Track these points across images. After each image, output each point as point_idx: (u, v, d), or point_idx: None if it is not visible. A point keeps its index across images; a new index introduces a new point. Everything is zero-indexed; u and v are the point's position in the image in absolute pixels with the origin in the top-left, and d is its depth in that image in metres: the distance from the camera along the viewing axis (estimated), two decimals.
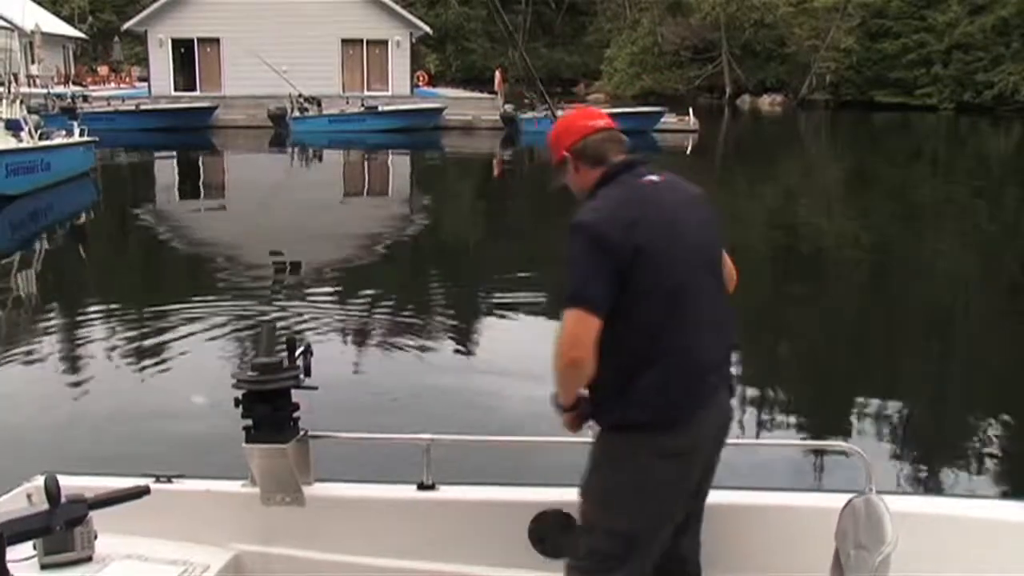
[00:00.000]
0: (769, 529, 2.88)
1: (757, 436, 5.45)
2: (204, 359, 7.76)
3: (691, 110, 34.37)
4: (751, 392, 6.78)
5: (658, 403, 2.41)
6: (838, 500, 2.73)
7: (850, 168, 27.25)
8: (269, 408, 2.95)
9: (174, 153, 27.59)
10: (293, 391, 2.99)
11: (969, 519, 2.82)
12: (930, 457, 5.76)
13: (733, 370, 2.67)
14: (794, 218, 17.19)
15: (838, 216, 17.54)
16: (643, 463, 2.45)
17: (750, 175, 24.55)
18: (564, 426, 2.61)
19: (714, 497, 2.80)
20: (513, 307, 9.55)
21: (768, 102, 54.33)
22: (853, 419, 6.36)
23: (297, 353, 2.98)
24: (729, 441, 2.67)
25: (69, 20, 49.60)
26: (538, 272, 11.14)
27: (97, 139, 20.23)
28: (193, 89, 36.95)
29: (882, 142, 36.40)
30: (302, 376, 2.97)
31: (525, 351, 7.60)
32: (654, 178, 2.54)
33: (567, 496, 3.03)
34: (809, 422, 6.25)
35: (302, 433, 3.05)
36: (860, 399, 6.76)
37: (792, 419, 6.23)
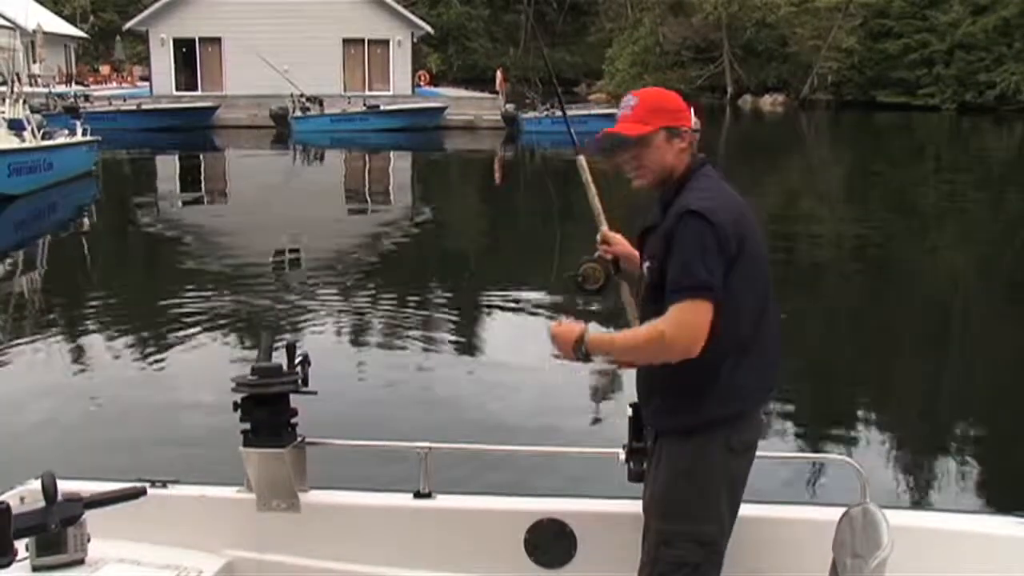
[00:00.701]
0: (767, 541, 2.87)
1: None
2: (204, 359, 7.77)
3: (692, 110, 34.26)
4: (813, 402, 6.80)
5: (740, 396, 2.44)
6: (834, 513, 2.71)
7: (852, 168, 27.22)
8: (267, 412, 2.94)
9: (176, 152, 27.61)
10: (292, 396, 2.98)
11: (962, 533, 2.81)
12: (925, 470, 5.74)
13: None
14: (794, 218, 17.16)
15: (839, 216, 17.51)
16: (719, 461, 2.45)
17: (751, 175, 24.49)
18: (563, 346, 2.53)
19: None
20: (514, 308, 9.55)
21: (770, 102, 54.30)
22: (848, 430, 6.34)
23: (296, 359, 2.98)
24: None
25: (71, 19, 49.66)
26: (538, 271, 11.13)
27: (99, 138, 20.24)
28: (195, 88, 36.98)
29: (884, 142, 36.37)
30: (301, 381, 2.97)
31: (524, 353, 7.60)
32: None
33: (563, 505, 3.03)
34: (804, 433, 6.22)
35: (299, 439, 3.04)
36: (856, 409, 6.74)
37: (788, 430, 6.19)
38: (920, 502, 5.07)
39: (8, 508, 1.76)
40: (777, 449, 5.31)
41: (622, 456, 2.89)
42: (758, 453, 2.61)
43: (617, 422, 3.04)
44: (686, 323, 2.33)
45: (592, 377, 6.91)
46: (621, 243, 2.90)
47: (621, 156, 2.55)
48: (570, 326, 2.52)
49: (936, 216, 17.95)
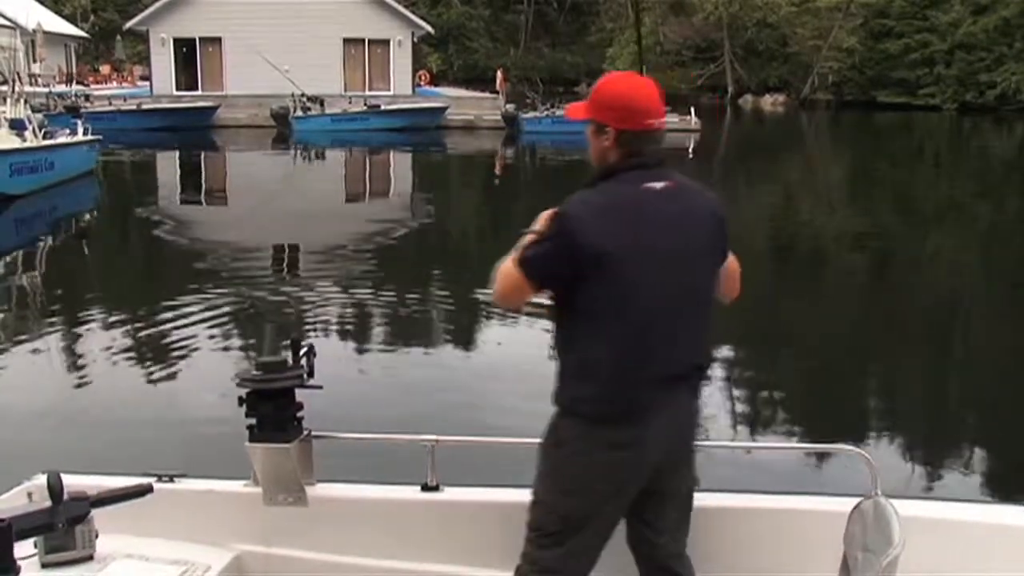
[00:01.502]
0: (776, 533, 2.86)
1: (760, 439, 5.43)
2: (206, 356, 7.77)
3: (693, 109, 34.37)
4: (756, 394, 6.77)
5: (600, 403, 2.45)
6: (845, 504, 2.70)
7: (852, 167, 27.25)
8: (273, 407, 2.93)
9: (176, 152, 27.59)
10: (297, 390, 2.97)
11: (974, 524, 2.79)
12: (936, 460, 5.72)
13: (701, 379, 2.64)
14: (795, 216, 17.20)
15: (840, 215, 17.52)
16: (583, 448, 2.49)
17: (751, 174, 24.57)
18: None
19: (721, 500, 2.78)
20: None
21: (770, 102, 54.34)
22: (858, 421, 6.32)
23: (301, 353, 2.97)
24: (734, 444, 2.65)
25: (71, 19, 49.69)
26: None
27: (100, 138, 20.23)
28: (195, 88, 36.95)
29: (885, 141, 36.39)
30: (306, 375, 2.96)
31: (525, 348, 7.59)
32: (658, 185, 2.46)
33: None
34: (813, 424, 6.21)
35: (305, 433, 3.03)
36: (864, 400, 6.74)
37: (796, 421, 6.19)
38: (931, 491, 5.05)
39: (9, 526, 1.74)
40: (786, 440, 5.30)
41: None
42: (768, 443, 2.60)
43: None
44: (501, 285, 2.53)
45: None
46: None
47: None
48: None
49: (939, 214, 17.96)
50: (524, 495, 2.96)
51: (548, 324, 2.60)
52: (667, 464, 2.56)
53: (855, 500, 2.69)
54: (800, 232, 15.44)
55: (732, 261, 2.67)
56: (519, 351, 7.82)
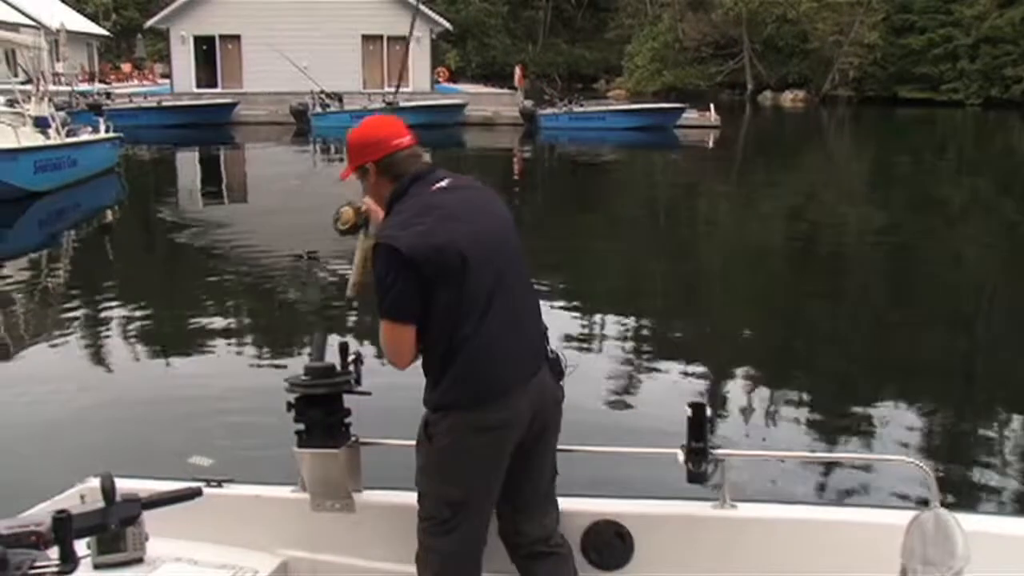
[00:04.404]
0: (832, 545, 2.81)
1: (817, 448, 5.28)
2: (229, 355, 7.78)
3: (712, 106, 34.18)
4: (809, 403, 6.63)
5: (464, 388, 2.63)
6: (903, 516, 2.66)
7: (873, 163, 27.02)
8: (321, 413, 2.94)
9: (196, 148, 27.69)
10: (345, 396, 2.98)
11: None
12: (995, 473, 5.46)
13: (550, 350, 2.81)
14: (817, 213, 17.03)
15: (862, 212, 17.32)
16: (458, 437, 2.66)
17: (771, 170, 24.42)
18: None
19: (775, 511, 2.74)
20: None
21: (790, 98, 53.99)
22: (914, 431, 6.14)
23: (349, 359, 2.96)
24: (788, 454, 2.61)
25: (93, 18, 49.97)
26: (558, 264, 11.11)
27: (122, 135, 20.33)
28: (214, 85, 37.07)
29: (907, 138, 36.09)
30: (353, 381, 2.96)
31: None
32: (443, 184, 2.72)
33: (620, 507, 2.98)
34: (867, 433, 5.99)
35: (353, 439, 3.03)
36: (919, 409, 6.53)
37: (849, 430, 6.01)
38: (992, 505, 4.93)
39: (70, 516, 1.75)
40: (839, 450, 5.19)
41: (680, 457, 2.85)
42: (818, 453, 2.57)
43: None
44: (385, 343, 2.70)
45: (646, 375, 6.88)
46: (377, 209, 2.90)
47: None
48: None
49: (973, 212, 17.78)
50: (572, 503, 2.97)
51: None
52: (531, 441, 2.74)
53: (912, 512, 2.65)
54: (820, 226, 15.28)
55: None
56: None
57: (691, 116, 33.52)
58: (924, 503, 2.63)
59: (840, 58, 52.42)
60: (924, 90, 51.02)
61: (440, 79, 42.96)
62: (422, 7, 38.10)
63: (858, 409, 6.42)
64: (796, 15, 52.91)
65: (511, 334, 2.67)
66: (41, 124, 17.01)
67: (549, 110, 33.29)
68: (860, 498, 3.46)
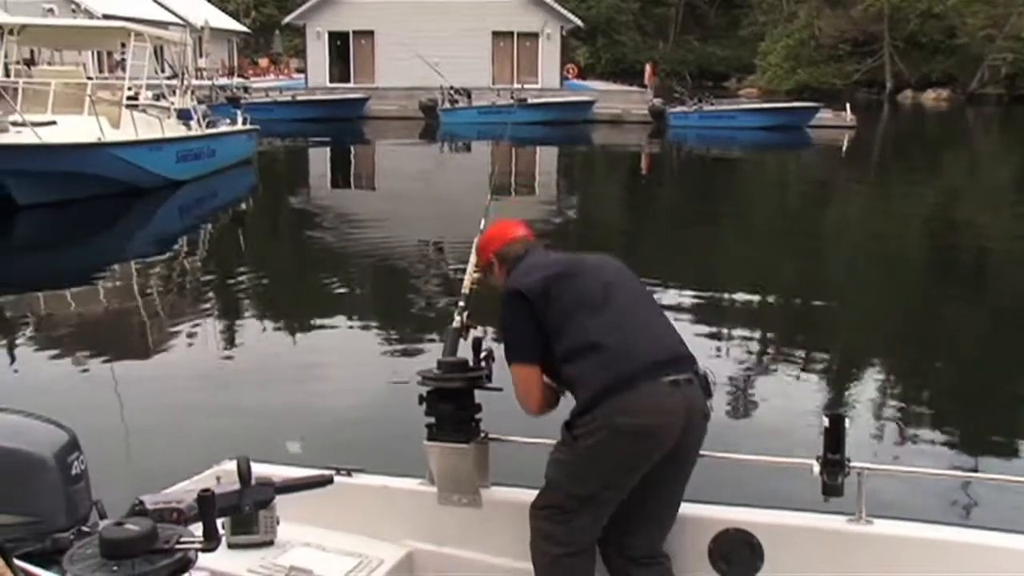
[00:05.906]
0: (976, 570, 2.61)
1: (957, 468, 4.98)
2: (377, 348, 7.87)
3: (848, 105, 33.08)
4: (952, 419, 6.29)
5: (601, 376, 2.67)
6: None
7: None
8: (452, 407, 2.94)
9: (328, 142, 28.42)
10: (476, 392, 2.98)
11: None
12: None
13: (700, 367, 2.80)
14: (956, 222, 16.19)
15: (1007, 222, 16.37)
16: (606, 436, 2.66)
17: (910, 174, 23.35)
18: None
19: (917, 530, 2.59)
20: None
21: (932, 97, 51.80)
22: None
23: (481, 355, 2.97)
24: (934, 471, 2.43)
25: (234, 15, 52.01)
26: (692, 267, 10.90)
27: (258, 128, 21.04)
28: (347, 80, 38.07)
29: None
30: (486, 376, 2.95)
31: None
32: (552, 253, 3.06)
33: (751, 516, 2.88)
34: (1018, 455, 5.65)
35: (482, 435, 3.03)
36: None
37: (998, 450, 5.62)
38: None
39: (213, 495, 1.77)
40: (985, 471, 4.86)
41: (816, 469, 2.73)
42: (966, 473, 2.39)
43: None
44: (518, 389, 2.85)
45: (783, 385, 6.70)
46: None
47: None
48: None
49: None
50: (702, 510, 2.96)
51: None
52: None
53: None
54: (960, 236, 14.52)
55: None
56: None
57: (825, 116, 32.54)
58: None
59: (991, 54, 49.85)
60: None
61: (569, 76, 42.94)
62: (553, 3, 38.22)
63: (1010, 427, 6.03)
64: (943, 9, 50.67)
65: (634, 323, 2.76)
66: (184, 117, 17.76)
67: (679, 108, 32.85)
68: (1010, 523, 3.20)
